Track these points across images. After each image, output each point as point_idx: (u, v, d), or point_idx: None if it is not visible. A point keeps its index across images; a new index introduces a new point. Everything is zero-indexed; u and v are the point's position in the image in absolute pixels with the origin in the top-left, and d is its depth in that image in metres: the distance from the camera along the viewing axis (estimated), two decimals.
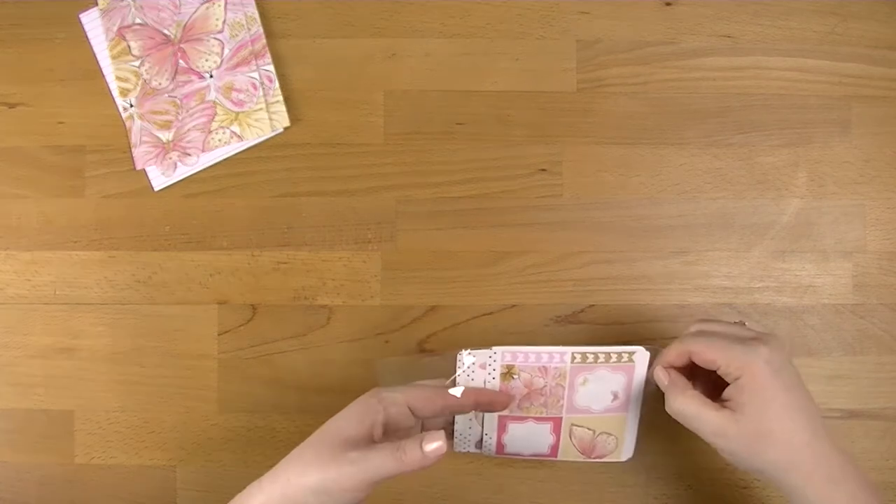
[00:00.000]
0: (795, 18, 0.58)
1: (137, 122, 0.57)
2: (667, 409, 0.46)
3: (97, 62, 0.57)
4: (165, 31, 0.57)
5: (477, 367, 0.48)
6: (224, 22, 0.57)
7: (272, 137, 0.57)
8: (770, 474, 0.44)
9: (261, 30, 0.57)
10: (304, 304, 0.56)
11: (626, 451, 0.52)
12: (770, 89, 0.57)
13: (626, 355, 0.49)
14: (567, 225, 0.57)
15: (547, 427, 0.51)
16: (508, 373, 0.49)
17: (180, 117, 0.57)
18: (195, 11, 0.57)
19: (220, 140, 0.57)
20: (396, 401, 0.45)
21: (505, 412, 0.50)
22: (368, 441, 0.43)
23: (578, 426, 0.51)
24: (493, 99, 0.57)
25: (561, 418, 0.50)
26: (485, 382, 0.49)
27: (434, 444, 0.42)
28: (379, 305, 0.56)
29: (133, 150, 0.57)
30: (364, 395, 0.45)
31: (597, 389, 0.50)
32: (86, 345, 0.57)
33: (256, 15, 0.57)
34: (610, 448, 0.52)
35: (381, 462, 0.41)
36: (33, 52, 0.57)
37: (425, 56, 0.57)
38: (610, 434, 0.51)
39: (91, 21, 0.57)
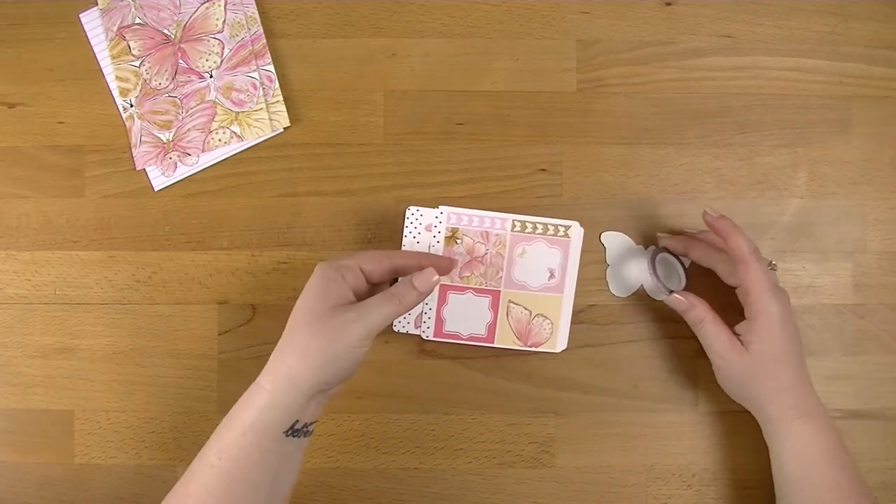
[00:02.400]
0: (795, 18, 0.58)
1: (137, 122, 0.57)
2: (689, 314, 0.51)
3: (97, 62, 0.57)
4: (165, 31, 0.57)
5: (423, 230, 0.52)
6: (224, 22, 0.57)
7: (272, 137, 0.57)
8: (753, 403, 0.50)
9: (261, 30, 0.57)
10: None
11: (560, 342, 0.54)
12: (770, 89, 0.57)
13: (563, 229, 0.53)
14: None
15: (486, 301, 0.53)
16: (452, 236, 0.52)
17: (180, 117, 0.57)
18: (195, 11, 0.57)
19: (220, 140, 0.57)
20: (349, 266, 0.46)
21: (446, 280, 0.52)
22: (348, 303, 0.45)
23: (516, 304, 0.54)
24: (493, 99, 0.57)
25: (499, 292, 0.53)
26: (429, 246, 0.52)
27: (425, 278, 0.46)
28: None
29: (133, 150, 0.57)
30: (317, 269, 0.46)
31: (534, 264, 0.53)
32: (86, 345, 0.57)
33: (256, 15, 0.57)
34: (545, 335, 0.54)
35: (379, 309, 0.45)
36: (33, 52, 0.57)
37: (425, 56, 0.57)
38: (546, 318, 0.53)
39: (91, 21, 0.57)
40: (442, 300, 0.53)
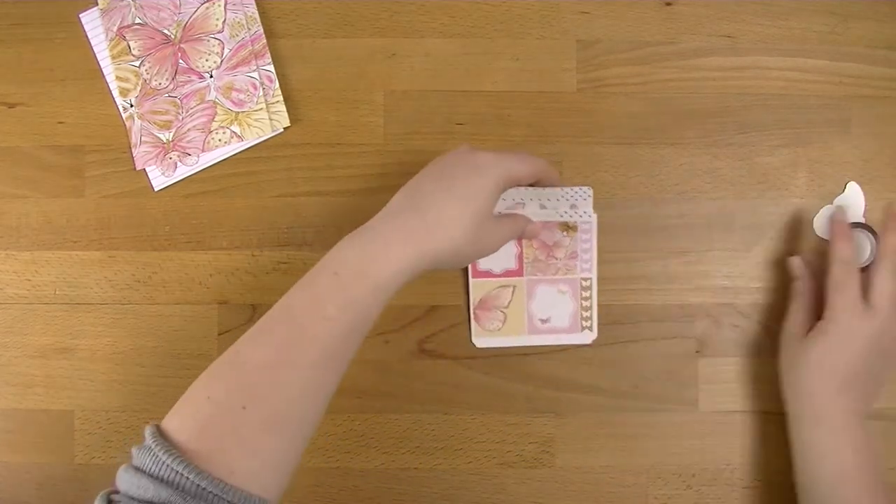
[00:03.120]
0: (795, 18, 0.58)
1: (137, 122, 0.57)
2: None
3: (97, 62, 0.57)
4: (165, 31, 0.57)
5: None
6: (224, 22, 0.57)
7: (272, 137, 0.57)
8: (792, 394, 0.52)
9: (261, 30, 0.57)
10: None
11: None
12: (770, 89, 0.57)
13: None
14: None
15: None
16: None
17: (180, 117, 0.57)
18: (195, 11, 0.57)
19: (220, 140, 0.57)
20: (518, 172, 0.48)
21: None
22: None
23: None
24: (493, 99, 0.57)
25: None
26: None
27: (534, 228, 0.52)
28: None
29: (133, 150, 0.57)
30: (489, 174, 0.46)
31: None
32: (86, 345, 0.57)
33: (256, 15, 0.57)
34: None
35: (512, 227, 0.50)
36: (33, 52, 0.57)
37: (425, 56, 0.57)
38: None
39: (91, 21, 0.57)
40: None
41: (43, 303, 0.57)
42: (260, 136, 0.57)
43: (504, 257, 0.54)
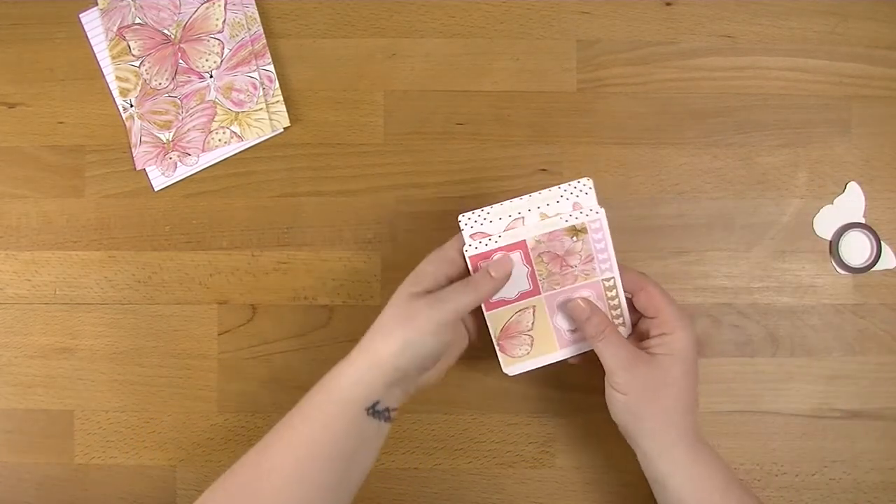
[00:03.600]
0: (795, 18, 0.58)
1: (137, 122, 0.57)
2: (590, 322, 0.47)
3: (97, 62, 0.57)
4: (165, 31, 0.57)
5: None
6: (224, 22, 0.57)
7: (272, 137, 0.57)
8: (639, 428, 0.46)
9: (261, 30, 0.57)
10: (304, 304, 0.56)
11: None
12: (770, 89, 0.57)
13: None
14: None
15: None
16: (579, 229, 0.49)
17: (180, 117, 0.57)
18: (195, 11, 0.57)
19: (220, 140, 0.57)
20: (451, 258, 0.48)
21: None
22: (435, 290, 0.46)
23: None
24: (493, 99, 0.57)
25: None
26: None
27: (500, 265, 0.47)
28: (379, 305, 0.56)
29: (133, 150, 0.57)
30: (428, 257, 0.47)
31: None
32: (85, 345, 0.57)
33: (256, 15, 0.57)
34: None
35: (455, 297, 0.45)
36: (33, 52, 0.57)
37: (425, 56, 0.57)
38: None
39: (91, 21, 0.57)
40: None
41: (43, 303, 0.57)
42: (260, 136, 0.57)
43: (515, 281, 0.48)
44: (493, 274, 0.46)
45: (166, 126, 0.57)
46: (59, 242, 0.57)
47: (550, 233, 0.48)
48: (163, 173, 0.57)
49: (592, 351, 0.48)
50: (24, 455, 0.56)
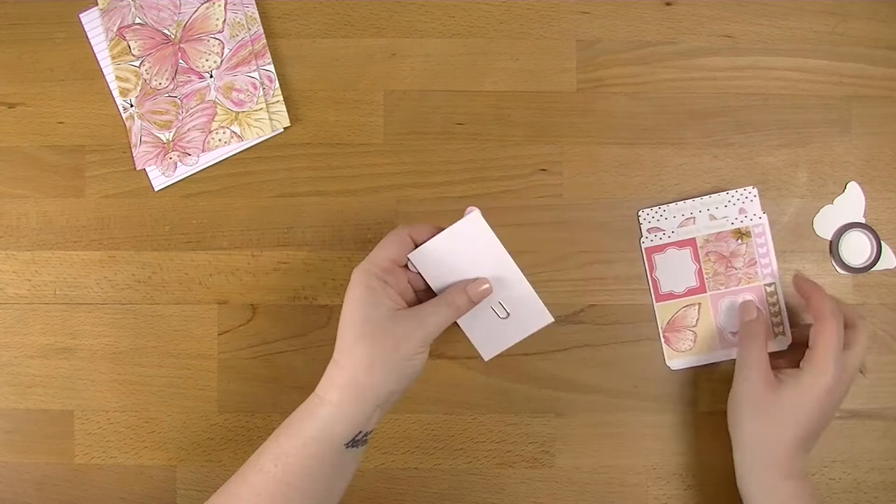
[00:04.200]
0: (795, 18, 0.58)
1: (137, 121, 0.57)
2: (743, 332, 0.51)
3: (97, 62, 0.57)
4: (165, 31, 0.57)
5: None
6: (224, 22, 0.57)
7: (272, 137, 0.57)
8: (734, 436, 0.50)
9: (261, 30, 0.57)
10: (304, 304, 0.56)
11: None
12: (770, 89, 0.57)
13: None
14: (567, 225, 0.57)
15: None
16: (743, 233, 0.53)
17: (180, 117, 0.57)
18: (195, 11, 0.57)
19: (220, 140, 0.57)
20: (386, 268, 0.46)
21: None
22: (399, 309, 0.45)
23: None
24: (492, 99, 0.57)
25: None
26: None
27: (476, 287, 0.47)
28: None
29: (133, 150, 0.57)
30: (355, 277, 0.46)
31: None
32: (85, 345, 0.57)
33: (256, 15, 0.57)
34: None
35: (436, 315, 0.45)
36: (33, 52, 0.57)
37: (425, 56, 0.57)
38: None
39: (91, 21, 0.57)
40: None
41: (43, 303, 0.57)
42: (260, 136, 0.57)
43: (684, 276, 0.54)
44: (469, 294, 0.47)
45: (166, 126, 0.57)
46: (59, 242, 0.57)
47: (718, 233, 0.53)
48: (163, 173, 0.57)
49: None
50: (23, 455, 0.56)
